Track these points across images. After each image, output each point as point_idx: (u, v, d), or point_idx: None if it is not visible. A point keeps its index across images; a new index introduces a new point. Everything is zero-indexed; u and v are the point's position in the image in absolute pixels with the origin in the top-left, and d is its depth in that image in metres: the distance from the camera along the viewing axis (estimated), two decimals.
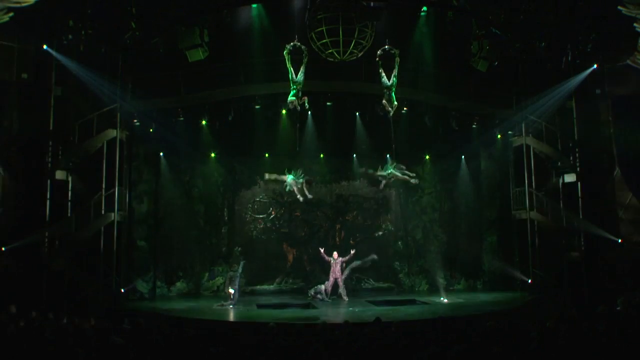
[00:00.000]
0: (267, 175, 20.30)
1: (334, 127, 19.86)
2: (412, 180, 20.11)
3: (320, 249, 18.89)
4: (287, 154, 19.96)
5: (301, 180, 18.99)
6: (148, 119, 18.44)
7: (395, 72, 14.39)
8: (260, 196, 21.72)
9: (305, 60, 14.17)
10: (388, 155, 19.11)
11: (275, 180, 20.23)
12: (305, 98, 14.32)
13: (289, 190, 19.30)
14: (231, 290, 17.52)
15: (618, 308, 11.89)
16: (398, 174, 19.61)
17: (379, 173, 19.94)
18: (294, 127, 17.89)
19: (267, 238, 21.58)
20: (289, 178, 19.18)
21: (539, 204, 19.44)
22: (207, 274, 20.91)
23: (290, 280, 21.44)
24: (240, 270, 18.41)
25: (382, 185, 20.08)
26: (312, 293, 18.91)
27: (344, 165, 22.05)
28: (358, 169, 21.70)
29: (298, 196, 19.18)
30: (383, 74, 14.40)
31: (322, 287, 18.96)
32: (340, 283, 18.56)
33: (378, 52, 14.19)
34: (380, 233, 22.17)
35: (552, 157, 19.60)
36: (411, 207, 22.37)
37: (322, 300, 18.50)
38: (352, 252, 18.81)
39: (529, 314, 14.31)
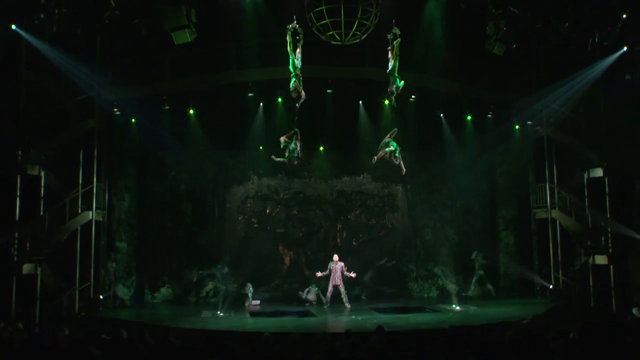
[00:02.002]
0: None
1: (335, 117, 19.79)
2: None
3: (317, 273, 18.69)
4: (282, 147, 19.85)
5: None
6: (129, 107, 18.39)
7: (394, 53, 14.19)
8: (253, 193, 21.67)
9: (300, 42, 14.09)
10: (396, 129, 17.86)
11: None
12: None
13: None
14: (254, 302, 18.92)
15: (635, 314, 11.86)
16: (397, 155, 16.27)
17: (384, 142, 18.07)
18: (291, 117, 17.76)
19: (261, 239, 21.51)
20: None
21: (561, 201, 19.40)
22: (195, 279, 20.87)
23: (287, 286, 21.40)
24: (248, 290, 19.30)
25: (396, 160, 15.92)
26: (305, 296, 18.99)
27: (345, 159, 22.03)
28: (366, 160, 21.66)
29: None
30: (391, 59, 14.31)
31: (316, 289, 19.06)
32: (342, 289, 18.51)
33: (389, 36, 14.07)
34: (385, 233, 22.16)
35: (576, 150, 19.54)
36: (420, 204, 22.33)
37: (311, 305, 18.67)
38: (353, 275, 18.59)
39: (550, 323, 14.26)
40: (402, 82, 14.30)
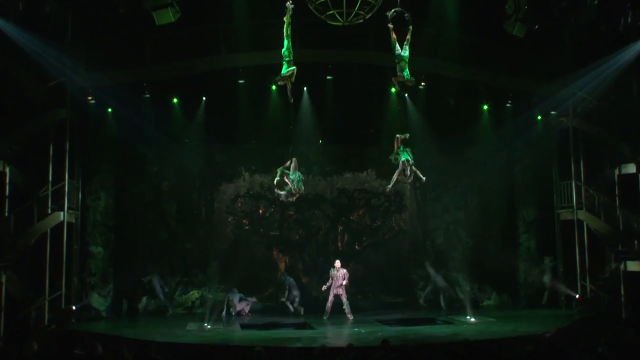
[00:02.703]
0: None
1: (336, 107, 19.71)
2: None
3: (323, 288, 18.61)
4: (277, 140, 19.85)
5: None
6: (105, 96, 18.33)
7: (407, 41, 14.16)
8: (245, 191, 21.61)
9: (288, 20, 13.96)
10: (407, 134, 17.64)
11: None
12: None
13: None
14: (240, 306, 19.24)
15: None
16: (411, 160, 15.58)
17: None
18: (286, 106, 17.70)
19: (253, 242, 21.48)
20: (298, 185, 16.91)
21: (589, 201, 19.35)
22: (179, 287, 20.80)
23: (281, 294, 21.32)
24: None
25: (409, 177, 15.24)
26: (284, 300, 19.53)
27: (347, 153, 22.02)
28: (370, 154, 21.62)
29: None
30: (396, 42, 14.21)
31: (296, 292, 19.54)
32: (344, 299, 18.44)
33: (388, 14, 13.97)
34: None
35: (605, 143, 19.46)
36: (430, 204, 22.29)
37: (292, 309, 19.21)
38: (345, 282, 18.54)
39: (576, 337, 14.21)
40: (413, 78, 14.21)
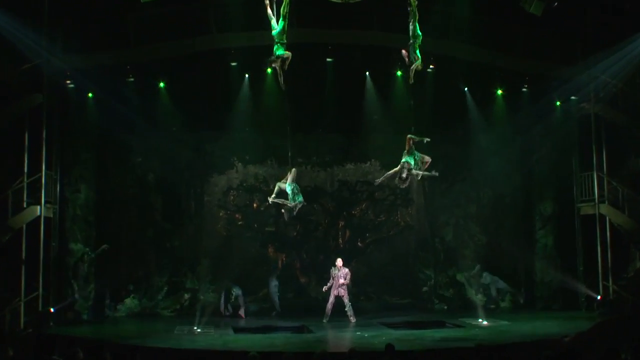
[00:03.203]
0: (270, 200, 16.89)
1: (336, 92, 19.68)
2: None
3: (324, 288, 18.65)
4: (273, 128, 19.83)
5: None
6: (85, 79, 18.25)
7: (413, 21, 14.10)
8: (237, 183, 21.64)
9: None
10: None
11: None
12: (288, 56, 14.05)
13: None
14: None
15: None
16: (412, 165, 15.13)
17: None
18: (282, 91, 17.66)
19: (246, 239, 21.53)
20: (298, 199, 16.25)
21: (612, 194, 19.34)
22: (166, 288, 20.82)
23: (278, 296, 21.36)
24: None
25: (405, 182, 15.14)
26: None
27: (349, 142, 22.04)
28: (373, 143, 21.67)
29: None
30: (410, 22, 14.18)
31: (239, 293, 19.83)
32: (346, 300, 18.46)
33: None
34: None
35: (630, 131, 19.43)
36: (439, 197, 22.31)
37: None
38: (345, 281, 18.55)
39: (598, 341, 14.22)
40: (419, 60, 14.19)
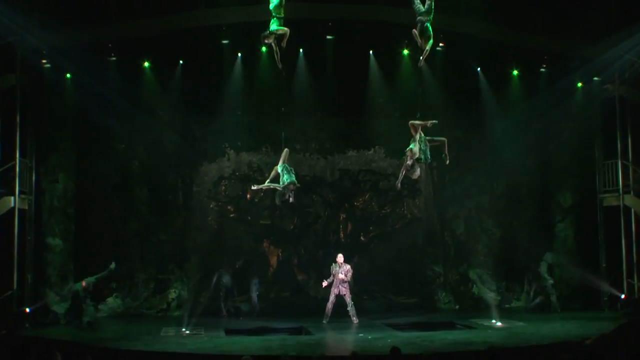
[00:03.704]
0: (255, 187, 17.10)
1: (337, 72, 19.65)
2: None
3: (323, 283, 18.68)
4: (268, 112, 19.79)
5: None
6: (63, 59, 18.22)
7: None
8: (230, 172, 21.65)
9: None
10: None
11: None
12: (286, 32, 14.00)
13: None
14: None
15: None
16: (419, 153, 14.79)
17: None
18: (279, 71, 17.64)
19: (239, 233, 21.58)
20: (286, 179, 16.06)
21: (638, 184, 19.33)
22: (152, 286, 20.86)
23: (273, 295, 21.45)
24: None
25: (413, 172, 14.85)
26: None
27: (351, 127, 22.03)
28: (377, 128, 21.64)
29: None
30: None
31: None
32: (348, 300, 18.49)
33: None
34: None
35: None
36: (449, 187, 22.34)
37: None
38: (344, 277, 18.55)
39: (621, 343, 14.25)
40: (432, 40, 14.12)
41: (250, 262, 21.15)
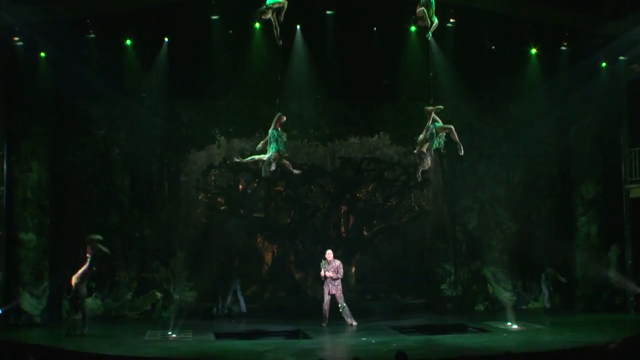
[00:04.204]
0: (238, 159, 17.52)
1: (338, 51, 19.62)
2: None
3: (327, 272, 18.51)
4: (262, 95, 19.78)
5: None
6: (37, 35, 18.18)
7: None
8: (220, 161, 21.72)
9: None
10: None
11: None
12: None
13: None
14: None
15: None
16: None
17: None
18: (273, 50, 17.61)
19: (231, 227, 21.61)
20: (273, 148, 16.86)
21: None
22: (135, 285, 20.88)
23: (268, 294, 21.51)
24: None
25: (426, 164, 15.10)
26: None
27: (353, 112, 22.04)
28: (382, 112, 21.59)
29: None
30: None
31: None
32: (340, 300, 18.45)
33: None
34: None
35: None
36: (461, 178, 22.35)
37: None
38: (332, 274, 18.51)
39: None
40: (436, 20, 14.17)
41: (237, 258, 21.16)
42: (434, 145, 14.52)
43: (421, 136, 14.54)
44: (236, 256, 21.17)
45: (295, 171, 15.51)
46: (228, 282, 20.62)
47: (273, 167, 14.70)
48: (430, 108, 14.73)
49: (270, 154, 14.75)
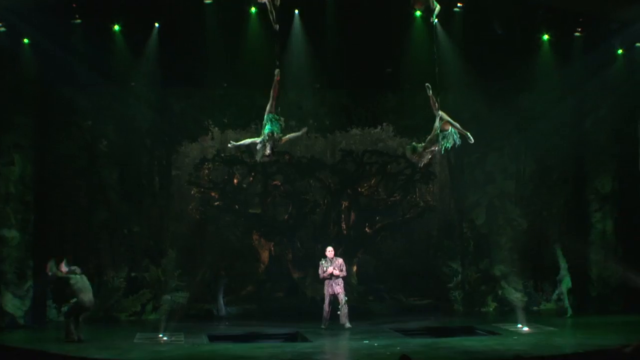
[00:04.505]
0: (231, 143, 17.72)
1: (339, 37, 19.60)
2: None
3: (332, 270, 18.38)
4: (258, 83, 19.74)
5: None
6: (20, 21, 18.18)
7: None
8: (214, 153, 21.73)
9: None
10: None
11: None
12: None
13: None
14: None
15: None
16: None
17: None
18: (270, 36, 17.60)
19: (225, 224, 21.64)
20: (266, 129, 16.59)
21: None
22: (124, 285, 20.90)
23: (264, 295, 21.54)
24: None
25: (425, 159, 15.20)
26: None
27: (354, 102, 22.07)
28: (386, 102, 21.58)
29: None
30: None
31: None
32: (341, 298, 18.37)
33: None
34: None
35: None
36: (469, 171, 22.37)
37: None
38: (338, 273, 18.38)
39: None
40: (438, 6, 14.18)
41: (222, 255, 21.21)
42: (445, 145, 14.39)
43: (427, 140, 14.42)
44: (223, 255, 21.24)
45: (303, 130, 15.42)
46: (218, 282, 20.69)
47: (268, 151, 14.26)
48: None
49: (263, 135, 14.44)
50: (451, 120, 14.41)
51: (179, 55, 19.70)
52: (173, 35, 19.33)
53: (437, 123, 14.21)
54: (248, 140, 14.88)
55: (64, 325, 16.75)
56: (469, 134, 14.47)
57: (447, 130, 14.26)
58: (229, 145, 15.64)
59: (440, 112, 14.25)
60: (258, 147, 14.33)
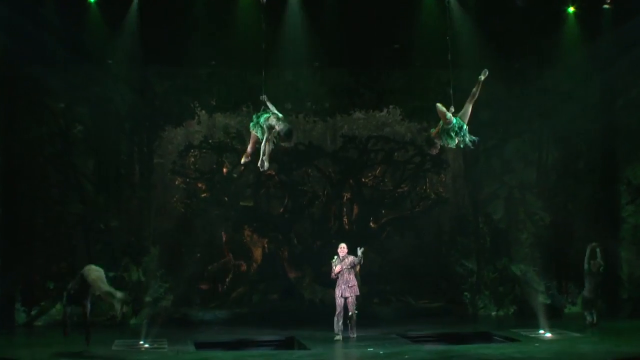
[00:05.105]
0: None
1: (340, 10, 19.61)
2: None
3: (336, 268, 18.08)
4: (249, 61, 19.76)
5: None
6: None
7: None
8: (201, 139, 21.79)
9: None
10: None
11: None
12: None
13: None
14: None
15: None
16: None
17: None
18: (261, 9, 17.61)
19: (213, 218, 21.66)
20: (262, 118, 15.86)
21: None
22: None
23: (257, 297, 21.58)
24: None
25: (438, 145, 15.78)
26: None
27: (357, 82, 22.10)
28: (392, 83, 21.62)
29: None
30: None
31: None
32: (351, 302, 18.27)
33: None
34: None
35: None
36: (485, 159, 22.38)
37: None
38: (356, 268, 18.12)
39: None
40: None
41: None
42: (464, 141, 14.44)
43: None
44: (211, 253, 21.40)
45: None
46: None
47: (267, 165, 13.69)
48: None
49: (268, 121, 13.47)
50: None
51: (162, 31, 19.71)
52: (155, 8, 19.32)
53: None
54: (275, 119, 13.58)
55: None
56: (468, 138, 14.51)
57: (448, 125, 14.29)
58: (261, 98, 14.05)
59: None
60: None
